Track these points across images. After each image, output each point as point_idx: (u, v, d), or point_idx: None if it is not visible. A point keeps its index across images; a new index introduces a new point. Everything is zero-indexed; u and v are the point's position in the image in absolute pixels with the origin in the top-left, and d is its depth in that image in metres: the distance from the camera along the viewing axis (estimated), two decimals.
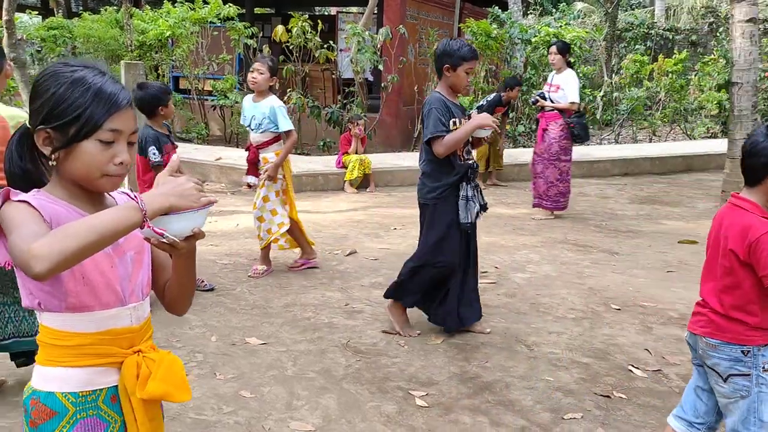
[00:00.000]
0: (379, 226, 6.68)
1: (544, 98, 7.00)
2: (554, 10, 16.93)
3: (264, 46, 12.34)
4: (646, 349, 3.87)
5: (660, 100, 13.78)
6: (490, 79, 12.39)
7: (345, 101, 11.19)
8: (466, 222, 3.73)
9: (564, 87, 6.84)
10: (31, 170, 1.44)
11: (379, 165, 9.09)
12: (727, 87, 11.07)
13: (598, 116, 13.68)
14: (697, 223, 7.05)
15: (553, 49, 7.02)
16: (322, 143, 11.04)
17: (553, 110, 6.93)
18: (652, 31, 17.78)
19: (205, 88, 12.53)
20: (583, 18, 18.43)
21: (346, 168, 8.61)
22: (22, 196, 1.31)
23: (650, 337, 4.06)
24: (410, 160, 9.66)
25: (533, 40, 11.98)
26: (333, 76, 12.73)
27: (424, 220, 3.87)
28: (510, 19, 12.74)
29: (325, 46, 10.62)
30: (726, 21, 16.40)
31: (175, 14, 11.37)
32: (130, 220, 1.23)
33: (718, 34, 17.06)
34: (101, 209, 1.30)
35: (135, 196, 1.26)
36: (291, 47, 10.72)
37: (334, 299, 4.59)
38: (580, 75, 10.49)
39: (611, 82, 14.14)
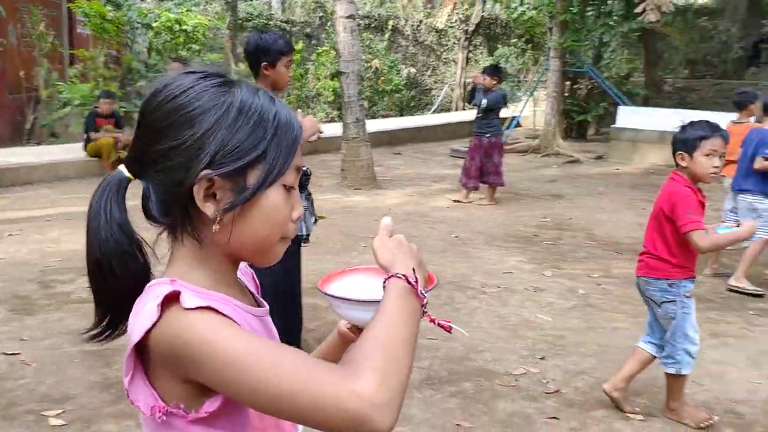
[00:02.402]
0: None
1: None
2: None
3: None
4: None
5: None
6: (110, 65, 11.59)
7: None
8: (302, 234, 3.34)
9: None
10: (140, 247, 0.95)
11: None
12: (338, 76, 12.40)
13: None
14: (325, 199, 7.78)
15: None
16: None
17: None
18: (271, 23, 18.82)
19: None
20: (205, 5, 18.50)
21: None
22: (191, 295, 0.86)
23: None
24: (24, 155, 8.50)
25: (155, 25, 11.59)
26: None
27: None
28: (126, 1, 12.08)
29: None
30: (332, 16, 18.34)
31: None
32: (417, 314, 0.92)
33: (327, 28, 18.93)
34: (242, 295, 0.99)
35: (392, 275, 0.94)
36: None
37: None
38: (207, 62, 10.52)
39: (238, 71, 14.57)
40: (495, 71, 8.11)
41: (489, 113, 7.87)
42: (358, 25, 18.26)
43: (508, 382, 3.45)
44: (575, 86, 15.29)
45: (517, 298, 4.79)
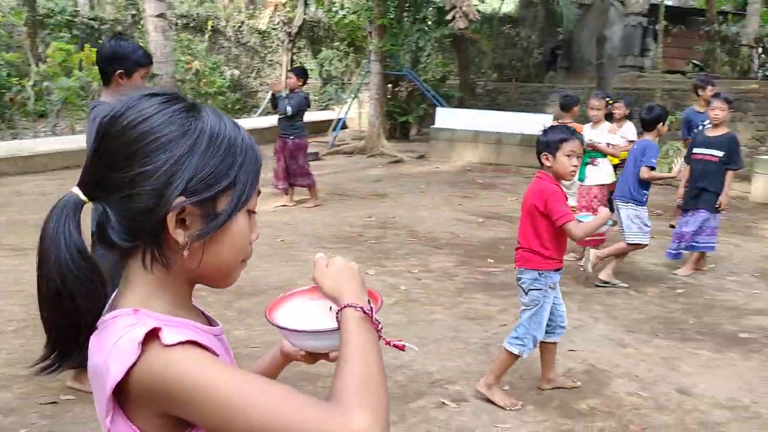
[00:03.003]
0: None
1: None
2: None
3: None
4: None
5: (93, 89, 13.65)
6: None
7: None
8: None
9: None
10: (99, 272, 0.90)
11: None
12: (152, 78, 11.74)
13: (30, 107, 12.69)
14: None
15: None
16: None
17: None
18: (77, 20, 17.38)
19: None
20: None
21: None
22: (171, 332, 0.82)
23: None
24: None
25: None
26: None
27: None
28: None
29: None
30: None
31: None
32: (377, 340, 0.94)
33: (140, 27, 17.88)
34: (197, 317, 0.98)
35: (355, 304, 0.95)
36: None
37: None
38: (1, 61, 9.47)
39: (39, 71, 13.27)
40: (302, 73, 8.08)
41: (293, 116, 7.85)
42: (176, 24, 17.52)
43: (327, 384, 3.46)
44: (396, 89, 15.86)
45: None
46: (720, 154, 5.60)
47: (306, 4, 19.20)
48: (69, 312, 0.88)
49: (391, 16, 13.90)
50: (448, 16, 11.87)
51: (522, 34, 18.74)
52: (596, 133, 6.08)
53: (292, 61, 19.44)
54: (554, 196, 3.26)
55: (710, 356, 4.09)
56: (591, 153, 5.97)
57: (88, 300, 0.88)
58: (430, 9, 14.71)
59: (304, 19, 19.32)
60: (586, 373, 3.78)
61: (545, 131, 3.42)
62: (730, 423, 3.27)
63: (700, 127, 6.86)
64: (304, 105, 7.90)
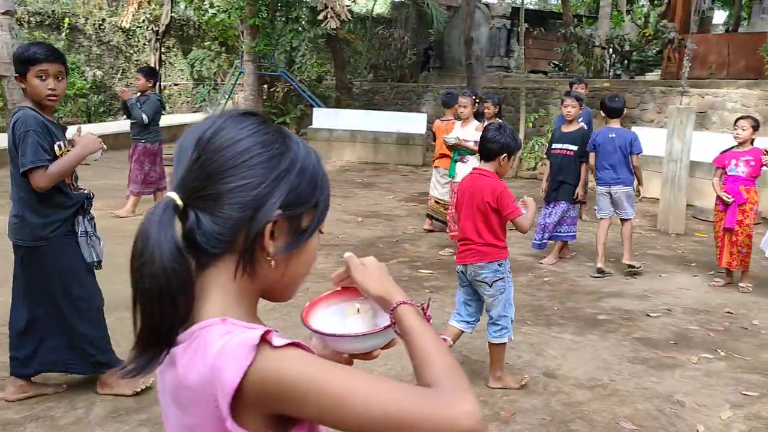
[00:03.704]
0: None
1: None
2: None
3: None
4: None
5: None
6: None
7: None
8: (92, 260, 3.16)
9: None
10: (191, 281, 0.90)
11: None
12: None
13: None
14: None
15: None
16: None
17: None
18: None
19: None
20: None
21: None
22: (276, 335, 0.87)
23: None
24: None
25: None
26: None
27: (26, 269, 3.09)
28: None
29: None
30: None
31: None
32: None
33: None
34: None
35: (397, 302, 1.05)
36: None
37: None
38: None
39: None
40: (151, 73, 7.54)
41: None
42: (28, 22, 16.20)
43: None
44: (272, 89, 15.65)
45: None
46: (574, 148, 5.98)
47: (173, 2, 18.46)
48: (168, 314, 0.89)
49: (264, 16, 13.68)
50: (320, 16, 11.85)
51: (395, 34, 19.08)
52: (465, 132, 6.29)
53: (160, 61, 18.62)
54: (505, 193, 3.52)
55: (572, 339, 4.35)
56: (461, 150, 6.18)
57: (186, 302, 0.90)
58: (303, 9, 14.61)
59: (172, 17, 18.55)
60: (461, 364, 3.89)
61: (502, 133, 3.57)
62: (591, 402, 3.49)
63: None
64: (159, 108, 7.48)
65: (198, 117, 17.45)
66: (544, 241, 6.19)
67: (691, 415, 3.38)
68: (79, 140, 3.09)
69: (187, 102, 20.30)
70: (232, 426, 0.85)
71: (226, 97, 15.34)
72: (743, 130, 5.43)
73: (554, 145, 6.16)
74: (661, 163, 8.18)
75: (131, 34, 18.71)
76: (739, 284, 5.58)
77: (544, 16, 21.31)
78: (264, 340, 0.85)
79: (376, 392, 0.85)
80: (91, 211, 3.22)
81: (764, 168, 5.54)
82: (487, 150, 3.59)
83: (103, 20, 18.34)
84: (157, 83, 7.56)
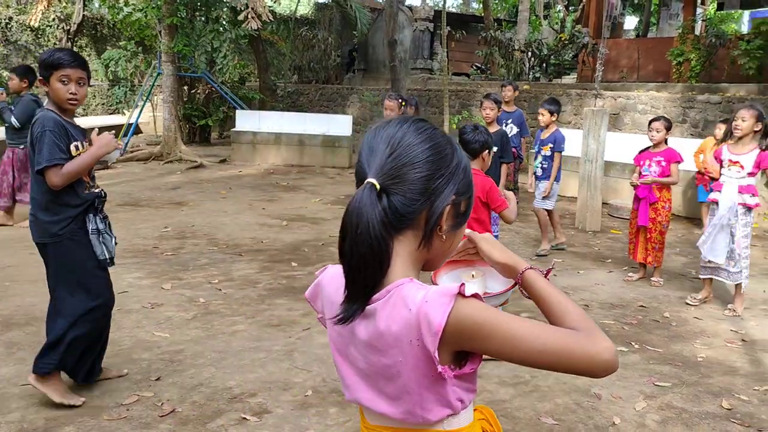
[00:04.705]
0: None
1: None
2: None
3: None
4: None
5: None
6: None
7: None
8: (104, 258, 3.26)
9: None
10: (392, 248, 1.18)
11: None
12: None
13: None
14: None
15: None
16: None
17: None
18: None
19: None
20: None
21: None
22: (466, 288, 1.12)
23: None
24: None
25: None
26: None
27: (53, 266, 3.22)
28: None
29: None
30: None
31: None
32: None
33: None
34: None
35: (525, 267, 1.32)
36: None
37: None
38: None
39: None
40: (26, 72, 6.81)
41: (23, 125, 6.69)
42: None
43: (118, 414, 3.18)
44: (193, 91, 15.22)
45: (133, 318, 4.49)
46: (495, 149, 6.09)
47: (86, 0, 17.69)
48: (375, 275, 1.13)
49: (182, 15, 13.29)
50: (241, 17, 11.62)
51: (319, 36, 18.97)
52: None
53: None
54: (494, 188, 3.86)
55: None
56: None
57: (386, 267, 1.14)
58: (224, 9, 14.29)
59: (84, 15, 17.78)
60: None
61: (480, 133, 3.94)
62: (513, 399, 3.55)
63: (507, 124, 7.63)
64: (35, 109, 7.01)
65: (116, 119, 16.77)
66: None
67: (607, 408, 3.49)
68: (96, 140, 3.25)
69: (103, 104, 19.49)
70: (436, 360, 1.08)
71: (144, 98, 14.81)
72: (657, 131, 5.68)
73: None
74: (578, 163, 8.46)
75: (41, 33, 17.81)
76: (652, 278, 5.84)
77: (466, 20, 21.72)
78: (458, 291, 1.09)
79: (540, 332, 1.10)
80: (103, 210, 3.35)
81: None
82: (470, 150, 3.92)
83: (10, 18, 17.37)
84: (34, 83, 6.91)
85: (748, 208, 5.00)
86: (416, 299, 1.09)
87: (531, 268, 1.29)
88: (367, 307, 1.14)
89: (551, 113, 6.68)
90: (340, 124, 13.39)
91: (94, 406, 3.25)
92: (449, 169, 1.18)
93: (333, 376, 3.70)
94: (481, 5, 23.15)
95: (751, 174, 4.98)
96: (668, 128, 5.73)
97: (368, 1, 20.15)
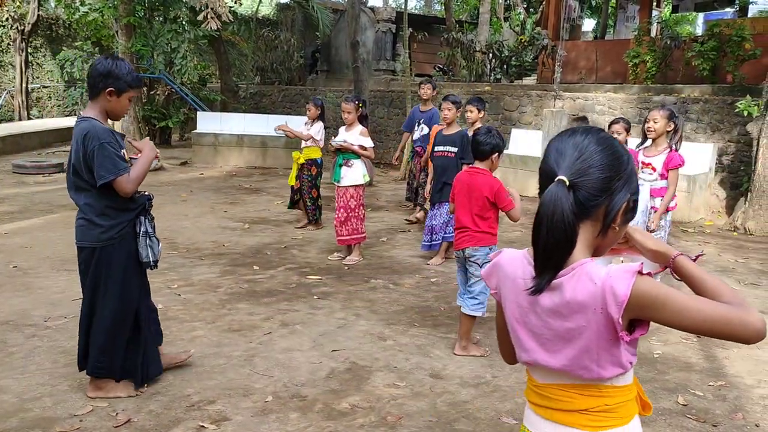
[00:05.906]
0: None
1: None
2: None
3: None
4: None
5: None
6: None
7: None
8: (148, 261, 3.36)
9: None
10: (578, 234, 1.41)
11: None
12: None
13: None
14: None
15: None
16: None
17: None
18: None
19: None
20: None
21: None
22: (645, 266, 1.34)
23: None
24: None
25: None
26: None
27: (93, 269, 3.28)
28: None
29: None
30: None
31: None
32: None
33: None
34: None
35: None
36: None
37: None
38: None
39: None
40: None
41: None
42: None
43: (72, 425, 3.09)
44: (153, 92, 14.95)
45: None
46: (455, 149, 6.12)
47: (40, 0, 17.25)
48: (565, 254, 1.35)
49: (140, 15, 13.05)
50: (200, 17, 11.46)
51: (282, 37, 18.83)
52: (349, 136, 6.27)
53: (26, 62, 17.34)
54: (502, 188, 4.04)
55: (457, 339, 4.43)
56: (345, 155, 6.15)
57: (573, 248, 1.35)
58: (183, 9, 14.07)
59: (39, 15, 17.33)
60: (348, 371, 3.86)
61: (492, 136, 4.05)
62: (475, 399, 3.56)
63: (419, 124, 7.86)
64: None
65: (72, 121, 16.36)
66: (434, 243, 6.29)
67: None
68: (143, 145, 3.38)
69: (58, 105, 19.02)
70: (619, 325, 1.30)
71: None
72: (618, 134, 5.72)
73: (436, 148, 6.27)
74: (537, 164, 8.56)
75: None
76: None
77: (429, 21, 21.81)
78: (639, 270, 1.29)
79: (703, 304, 1.29)
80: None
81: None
82: (480, 151, 4.07)
83: None
84: None
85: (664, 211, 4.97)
86: (600, 275, 1.31)
87: (681, 254, 1.46)
88: (554, 281, 1.36)
89: (479, 110, 6.52)
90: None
91: (46, 417, 3.16)
92: (626, 173, 1.40)
93: (294, 381, 3.67)
94: (443, 7, 23.29)
95: (662, 176, 4.95)
96: (627, 130, 5.82)
97: (330, 2, 20.07)
